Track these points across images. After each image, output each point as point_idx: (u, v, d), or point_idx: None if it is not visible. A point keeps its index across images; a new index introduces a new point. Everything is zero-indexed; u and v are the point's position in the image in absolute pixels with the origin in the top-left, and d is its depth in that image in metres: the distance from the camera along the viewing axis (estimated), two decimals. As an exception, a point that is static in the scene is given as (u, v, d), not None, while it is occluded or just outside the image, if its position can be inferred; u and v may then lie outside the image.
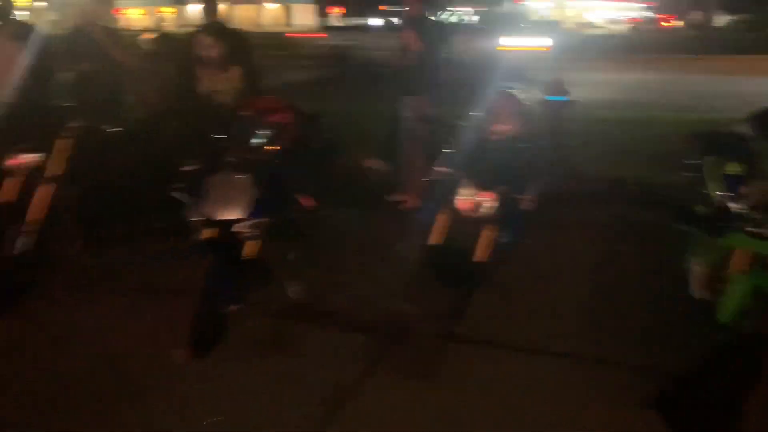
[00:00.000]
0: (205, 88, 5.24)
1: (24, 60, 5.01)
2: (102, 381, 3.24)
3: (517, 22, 27.60)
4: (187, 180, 3.59)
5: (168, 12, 53.52)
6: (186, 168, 3.63)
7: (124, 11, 41.24)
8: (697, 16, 43.25)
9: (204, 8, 5.43)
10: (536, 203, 3.55)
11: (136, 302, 4.00)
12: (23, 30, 5.15)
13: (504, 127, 3.61)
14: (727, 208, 3.01)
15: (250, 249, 3.47)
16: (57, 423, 2.95)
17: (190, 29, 5.81)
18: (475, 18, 34.52)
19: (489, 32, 23.11)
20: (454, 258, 3.42)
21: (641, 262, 4.56)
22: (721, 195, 3.07)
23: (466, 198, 3.42)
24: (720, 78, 15.62)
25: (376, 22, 54.08)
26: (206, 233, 3.47)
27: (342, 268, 4.45)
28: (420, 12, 5.76)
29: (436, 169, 3.67)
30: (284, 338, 3.62)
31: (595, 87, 12.75)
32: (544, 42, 23.30)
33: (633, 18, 48.05)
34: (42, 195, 3.97)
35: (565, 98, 6.63)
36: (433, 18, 6.18)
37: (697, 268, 3.39)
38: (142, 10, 50.74)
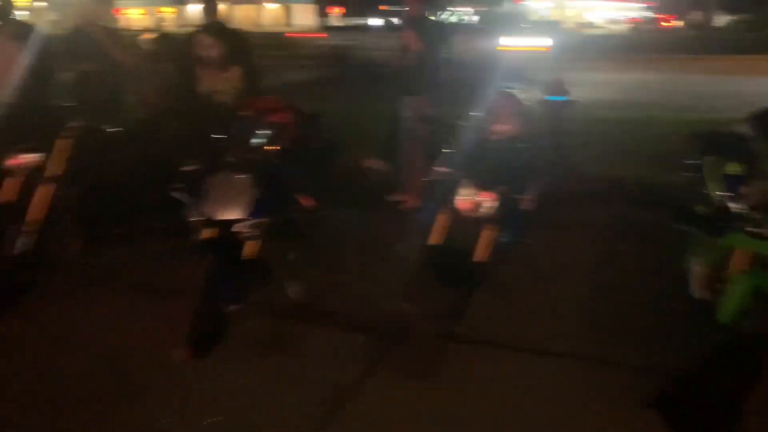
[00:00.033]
0: (205, 88, 5.25)
1: (24, 60, 5.01)
2: (102, 381, 3.24)
3: (517, 22, 27.55)
4: (187, 180, 3.59)
5: (168, 12, 53.51)
6: (186, 168, 3.63)
7: (124, 11, 41.23)
8: (696, 16, 43.26)
9: (204, 8, 5.41)
10: (536, 203, 3.55)
11: (136, 302, 4.00)
12: (23, 30, 5.15)
13: (504, 127, 3.61)
14: (727, 208, 3.01)
15: (250, 249, 3.47)
16: (57, 423, 2.95)
17: (191, 29, 5.81)
18: (475, 18, 34.48)
19: (489, 32, 23.10)
20: (454, 258, 3.42)
21: (641, 262, 4.56)
22: (721, 195, 3.07)
23: (466, 198, 3.42)
24: (720, 78, 15.64)
25: (375, 22, 54.08)
26: (206, 233, 3.47)
27: (342, 268, 4.45)
28: (420, 12, 5.76)
29: (436, 169, 3.67)
30: (284, 338, 3.62)
31: (595, 87, 12.77)
32: (544, 42, 23.28)
33: (633, 18, 48.06)
34: (42, 195, 3.96)
35: (564, 98, 6.64)
36: (432, 18, 6.18)
37: (696, 268, 3.39)
38: (142, 10, 50.73)
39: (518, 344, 3.57)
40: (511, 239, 3.49)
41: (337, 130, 5.13)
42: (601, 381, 3.25)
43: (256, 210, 3.47)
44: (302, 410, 3.02)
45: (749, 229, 2.91)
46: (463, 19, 34.87)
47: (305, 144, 3.97)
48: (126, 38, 5.89)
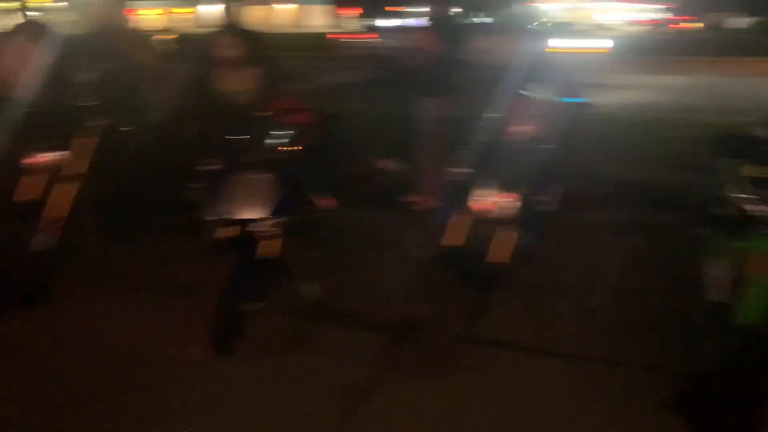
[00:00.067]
0: (224, 88, 5.28)
1: (45, 59, 5.08)
2: (122, 378, 3.28)
3: (530, 23, 27.34)
4: (206, 179, 3.63)
5: (183, 13, 53.79)
6: (206, 167, 3.67)
7: (139, 12, 41.50)
8: (716, 17, 42.88)
9: (225, 9, 5.46)
10: (556, 205, 3.55)
11: (154, 300, 4.04)
12: (43, 30, 5.21)
13: (523, 128, 3.61)
14: (746, 211, 3.00)
15: (269, 248, 3.50)
16: (76, 420, 2.98)
17: (209, 30, 5.85)
18: (488, 19, 34.38)
19: (539, 34, 22.61)
20: (472, 259, 3.43)
21: (660, 264, 4.54)
22: (740, 198, 3.07)
23: (484, 199, 3.43)
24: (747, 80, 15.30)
25: (388, 23, 54.07)
26: (225, 232, 3.50)
27: (359, 269, 4.47)
28: (440, 13, 5.78)
29: (454, 169, 3.68)
30: (301, 338, 3.64)
31: (652, 89, 12.50)
32: (604, 44, 22.24)
33: (649, 20, 47.75)
34: (63, 193, 4.00)
35: (581, 100, 6.61)
36: (452, 19, 6.20)
37: (715, 271, 3.39)
38: (158, 11, 51.03)
39: (535, 346, 3.57)
40: (530, 241, 3.49)
41: (356, 131, 5.16)
42: (619, 384, 3.24)
43: (275, 209, 3.50)
44: (319, 410, 3.04)
45: (769, 231, 2.90)
46: (477, 21, 34.77)
47: (324, 144, 4.00)
48: (144, 38, 5.93)
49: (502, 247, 3.41)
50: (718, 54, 21.42)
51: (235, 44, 5.30)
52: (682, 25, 40.67)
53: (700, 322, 3.49)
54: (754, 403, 2.88)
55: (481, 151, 3.63)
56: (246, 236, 3.49)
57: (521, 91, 3.72)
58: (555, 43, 21.18)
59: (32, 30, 5.13)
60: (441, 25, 5.75)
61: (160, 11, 51.39)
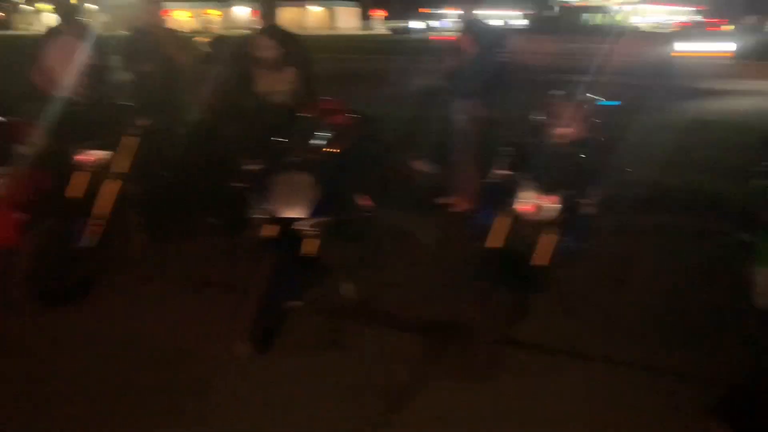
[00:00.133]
0: (262, 89, 5.35)
1: (89, 59, 5.19)
2: (162, 374, 3.32)
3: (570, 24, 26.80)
4: (249, 178, 3.68)
5: (214, 14, 54.44)
6: (248, 167, 3.72)
7: (172, 13, 42.07)
8: (751, 20, 42.08)
9: (263, 11, 5.52)
10: (599, 208, 3.52)
11: (195, 298, 4.09)
12: (87, 31, 5.33)
13: (566, 131, 3.59)
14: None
15: (309, 247, 3.53)
16: (118, 412, 3.03)
17: (245, 31, 5.93)
18: (524, 21, 34.14)
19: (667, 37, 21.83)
20: (514, 261, 3.41)
21: (705, 269, 4.46)
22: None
23: (527, 201, 3.41)
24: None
25: (416, 25, 54.13)
26: (267, 230, 3.54)
27: (397, 269, 4.47)
28: (474, 15, 5.78)
29: (495, 171, 3.67)
30: (339, 337, 3.65)
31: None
32: (726, 47, 20.37)
33: (681, 22, 47.11)
34: (108, 191, 4.08)
35: (616, 103, 6.54)
36: (485, 21, 6.19)
37: (761, 276, 3.33)
38: (189, 13, 51.71)
39: (576, 351, 3.54)
40: (574, 244, 3.46)
41: (395, 132, 5.18)
42: (662, 391, 3.20)
43: (317, 209, 3.53)
44: (358, 410, 3.05)
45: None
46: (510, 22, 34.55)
47: (364, 145, 4.03)
48: (185, 39, 6.01)
49: (543, 250, 3.38)
50: None
51: (273, 45, 5.39)
52: (716, 28, 39.99)
53: (746, 329, 3.42)
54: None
55: (523, 153, 3.61)
56: (287, 235, 3.52)
57: (563, 93, 3.70)
58: (680, 47, 20.10)
59: (76, 30, 5.26)
60: (477, 27, 5.74)
61: (190, 13, 52.07)
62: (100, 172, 4.10)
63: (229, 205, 4.17)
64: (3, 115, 4.32)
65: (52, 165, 4.22)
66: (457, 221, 5.17)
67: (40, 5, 53.77)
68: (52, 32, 5.36)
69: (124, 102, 4.50)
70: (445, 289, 4.01)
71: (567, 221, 3.40)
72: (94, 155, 4.08)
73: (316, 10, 60.49)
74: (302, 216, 3.51)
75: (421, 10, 55.56)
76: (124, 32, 5.84)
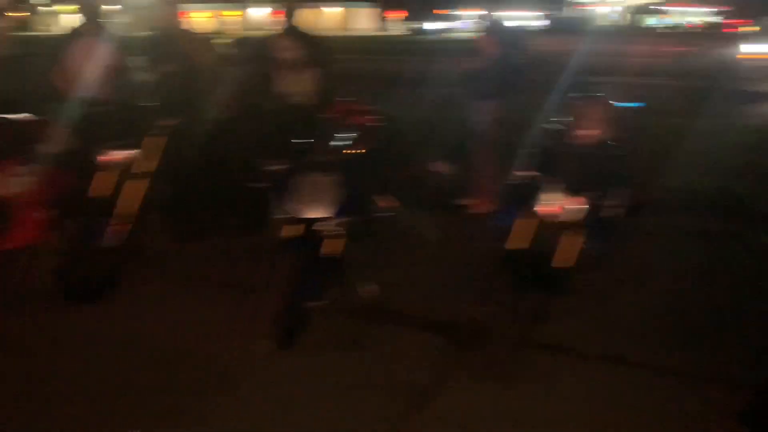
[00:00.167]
0: (283, 90, 5.38)
1: (112, 60, 5.24)
2: (183, 372, 3.33)
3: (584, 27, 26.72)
4: (272, 179, 3.70)
5: (232, 15, 54.74)
6: (271, 167, 3.74)
7: (190, 15, 42.31)
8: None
9: (286, 12, 5.55)
10: (622, 210, 3.50)
11: (217, 296, 4.10)
12: (110, 32, 5.37)
13: (591, 132, 3.58)
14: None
15: (332, 247, 3.54)
16: (139, 409, 3.03)
17: (266, 32, 5.96)
18: (546, 22, 34.06)
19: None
20: (537, 263, 3.41)
21: (730, 272, 4.45)
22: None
23: (551, 202, 3.40)
24: None
25: (432, 26, 54.09)
26: (290, 231, 3.55)
27: (419, 269, 4.47)
28: (494, 17, 5.76)
29: (518, 172, 3.67)
30: (361, 337, 3.66)
31: None
32: None
33: (691, 24, 46.79)
34: (134, 190, 4.12)
35: (637, 105, 6.52)
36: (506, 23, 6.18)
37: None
38: (208, 14, 52.03)
39: (599, 353, 3.52)
40: (598, 246, 3.45)
41: (417, 133, 5.18)
42: (685, 394, 3.17)
43: (340, 209, 3.55)
44: (379, 410, 3.04)
45: None
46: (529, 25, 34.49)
47: (385, 146, 4.03)
48: (205, 40, 6.05)
49: (567, 252, 3.38)
50: None
51: (294, 47, 5.42)
52: (740, 29, 39.55)
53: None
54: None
55: (548, 154, 3.60)
56: (310, 235, 3.54)
57: (592, 94, 3.69)
58: (747, 49, 18.79)
59: (98, 31, 5.30)
60: (499, 28, 5.73)
61: (209, 14, 52.37)
62: (124, 172, 4.13)
63: (252, 205, 4.19)
64: (30, 115, 4.36)
65: (77, 165, 4.27)
66: (476, 222, 5.16)
67: (59, 7, 54.33)
68: (75, 33, 5.40)
69: (147, 102, 4.54)
70: (465, 289, 4.01)
71: (591, 223, 3.38)
72: (118, 155, 4.11)
73: (331, 11, 60.62)
74: (325, 216, 3.53)
75: (436, 11, 55.53)
76: (145, 33, 5.88)
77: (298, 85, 5.29)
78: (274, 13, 6.04)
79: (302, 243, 3.56)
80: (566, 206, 3.38)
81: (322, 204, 3.54)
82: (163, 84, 5.31)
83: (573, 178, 3.42)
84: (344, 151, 3.79)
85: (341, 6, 61.41)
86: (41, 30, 43.60)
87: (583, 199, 3.37)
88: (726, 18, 48.00)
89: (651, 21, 52.03)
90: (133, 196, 4.12)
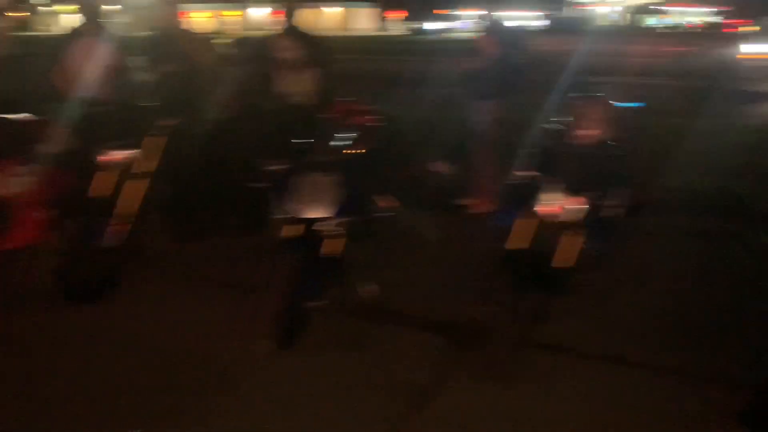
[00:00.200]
0: (284, 90, 5.39)
1: (111, 60, 5.24)
2: (182, 373, 3.33)
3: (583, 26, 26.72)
4: (272, 179, 3.70)
5: (232, 16, 54.74)
6: (270, 167, 3.74)
7: (190, 15, 42.30)
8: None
9: (286, 12, 5.55)
10: (623, 210, 3.50)
11: (216, 296, 4.10)
12: (110, 32, 5.37)
13: (591, 132, 3.58)
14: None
15: (332, 247, 3.54)
16: (138, 411, 3.02)
17: (266, 32, 5.97)
18: (546, 22, 34.03)
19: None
20: (536, 263, 3.41)
21: (731, 273, 4.45)
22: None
23: (551, 202, 3.40)
24: None
25: (432, 26, 54.12)
26: (290, 230, 3.56)
27: (419, 270, 4.47)
28: (494, 17, 5.77)
29: (518, 172, 3.67)
30: (360, 337, 3.66)
31: None
32: None
33: (691, 24, 46.83)
34: (134, 190, 4.12)
35: (637, 105, 6.52)
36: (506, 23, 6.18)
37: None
38: (208, 14, 52.02)
39: (597, 353, 3.52)
40: (598, 246, 3.45)
41: (416, 133, 5.19)
42: (684, 394, 3.17)
43: (340, 209, 3.55)
44: (379, 410, 3.04)
45: None
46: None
47: (385, 146, 4.04)
48: (205, 40, 6.06)
49: (568, 252, 3.38)
50: None
51: (295, 47, 5.43)
52: (740, 29, 39.55)
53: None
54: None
55: (548, 154, 3.61)
56: (310, 235, 3.54)
57: (592, 94, 3.69)
58: (747, 49, 18.58)
59: (97, 32, 5.30)
60: (499, 28, 5.74)
61: (209, 14, 52.36)
62: (124, 172, 4.13)
63: (252, 205, 4.20)
64: (29, 115, 4.36)
65: (77, 165, 4.27)
66: (476, 222, 5.16)
67: (58, 7, 54.34)
68: (75, 33, 5.40)
69: (147, 102, 4.54)
70: (465, 289, 4.01)
71: (591, 223, 3.39)
72: (118, 155, 4.12)
73: (331, 11, 60.62)
74: (325, 216, 3.53)
75: (436, 11, 55.56)
76: (145, 33, 5.88)
77: (298, 85, 5.29)
78: (274, 13, 6.04)
79: (302, 243, 3.56)
80: (566, 206, 3.38)
81: (322, 204, 3.54)
82: (163, 84, 5.31)
83: (573, 178, 3.42)
84: (344, 151, 3.79)
85: (341, 6, 61.37)
86: (41, 30, 43.62)
87: (583, 199, 3.37)
88: (726, 18, 48.03)
89: (651, 21, 52.12)
90: (133, 196, 4.13)
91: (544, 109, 4.15)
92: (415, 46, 27.74)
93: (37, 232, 4.17)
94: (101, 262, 4.04)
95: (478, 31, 5.97)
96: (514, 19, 34.17)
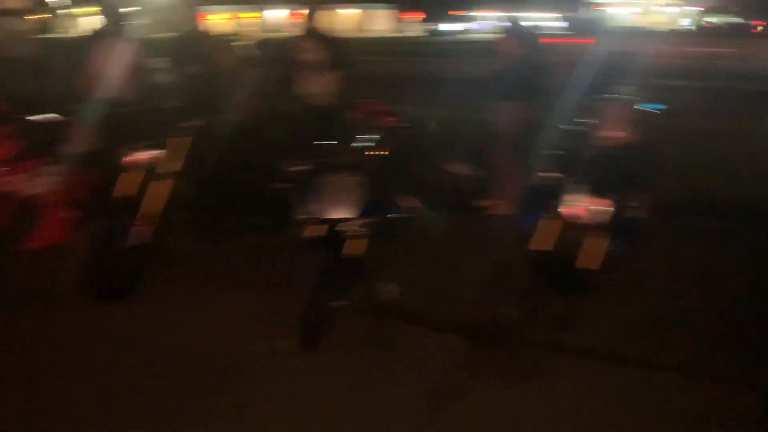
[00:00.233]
0: (306, 91, 5.42)
1: (135, 62, 5.30)
2: (203, 370, 3.35)
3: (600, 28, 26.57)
4: (295, 179, 3.72)
5: (250, 17, 54.98)
6: (294, 168, 3.75)
7: (208, 17, 42.51)
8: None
9: (308, 14, 5.58)
10: (647, 212, 3.48)
11: (241, 295, 4.11)
12: (133, 34, 5.43)
13: (616, 134, 3.56)
14: None
15: (354, 247, 3.55)
16: (160, 409, 3.05)
17: (285, 34, 6.00)
18: (564, 24, 33.79)
19: None
20: (560, 264, 3.39)
21: (755, 276, 4.41)
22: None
23: (576, 204, 3.39)
24: None
25: (449, 27, 54.04)
26: (313, 231, 3.57)
27: (441, 270, 4.47)
28: (515, 18, 5.77)
29: (542, 174, 3.65)
30: (382, 337, 3.66)
31: None
32: None
33: (709, 23, 46.36)
34: (159, 190, 4.15)
35: (659, 107, 6.46)
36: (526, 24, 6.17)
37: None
38: (226, 16, 52.27)
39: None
40: (623, 248, 3.43)
41: (439, 134, 5.19)
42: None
43: (363, 210, 3.55)
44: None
45: None
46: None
47: (409, 147, 4.04)
48: (226, 42, 6.11)
49: (592, 254, 3.36)
50: None
51: (317, 48, 5.46)
52: (755, 30, 39.19)
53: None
54: None
55: (572, 155, 3.59)
56: (333, 235, 3.55)
57: (613, 96, 3.66)
58: None
59: (119, 34, 5.35)
60: (521, 29, 5.72)
61: (228, 16, 52.62)
62: (149, 172, 4.17)
63: (275, 205, 4.21)
64: (55, 116, 4.42)
65: (102, 165, 4.32)
66: (496, 223, 5.14)
67: (77, 9, 54.85)
68: (98, 35, 5.47)
69: (171, 104, 4.57)
70: (492, 291, 3.99)
71: (616, 225, 3.36)
72: (143, 156, 4.15)
73: (348, 13, 60.67)
74: (348, 217, 3.54)
75: (451, 12, 55.50)
76: (167, 35, 5.94)
77: (320, 87, 5.32)
78: (293, 15, 6.07)
79: (325, 243, 3.57)
80: (591, 208, 3.36)
81: (345, 205, 3.55)
82: (187, 85, 5.36)
83: (598, 180, 3.40)
84: (367, 152, 3.80)
85: (358, 8, 61.43)
86: (60, 32, 44.09)
87: (607, 201, 3.35)
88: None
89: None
90: (157, 196, 4.16)
91: (568, 111, 4.12)
92: (432, 48, 27.73)
93: (63, 232, 4.22)
94: (125, 261, 4.07)
95: (498, 32, 5.96)
96: (531, 20, 34.06)
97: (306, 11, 5.62)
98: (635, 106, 3.83)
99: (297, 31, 5.74)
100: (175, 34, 5.99)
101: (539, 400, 3.11)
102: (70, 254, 4.08)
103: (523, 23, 6.13)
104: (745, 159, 7.30)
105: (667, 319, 3.82)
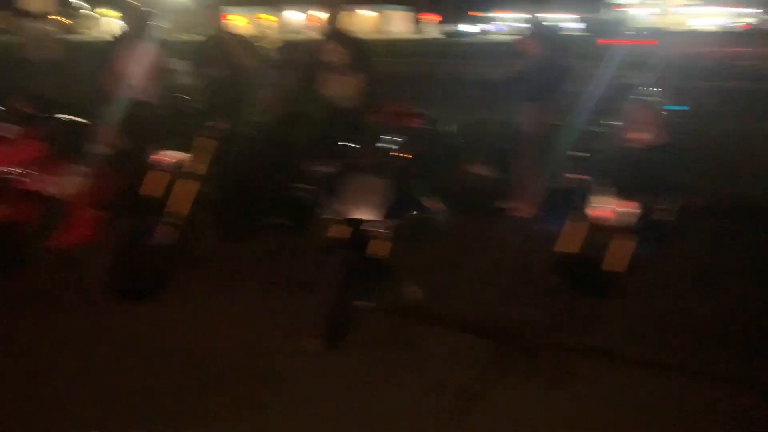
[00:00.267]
0: (328, 93, 5.43)
1: (161, 63, 5.35)
2: (228, 369, 3.37)
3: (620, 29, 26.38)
4: (320, 180, 3.73)
5: (269, 19, 55.25)
6: (319, 169, 3.77)
7: (229, 18, 42.74)
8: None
9: (330, 16, 5.60)
10: (673, 214, 3.45)
11: (265, 295, 4.14)
12: (158, 35, 5.48)
13: (642, 136, 3.54)
14: None
15: (378, 248, 3.56)
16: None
17: (306, 36, 6.02)
18: (582, 25, 33.54)
19: None
20: (587, 267, 3.37)
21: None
22: None
23: (602, 206, 3.37)
24: None
25: (469, 28, 53.99)
26: (338, 231, 3.58)
27: (463, 272, 4.45)
28: (539, 18, 5.74)
29: (567, 176, 3.64)
30: (405, 337, 3.67)
31: None
32: None
33: (748, 24, 45.79)
34: (185, 191, 4.18)
35: (683, 107, 6.40)
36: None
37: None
38: (246, 18, 52.59)
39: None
40: (648, 250, 3.40)
41: (462, 136, 5.18)
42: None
43: (386, 211, 3.56)
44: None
45: None
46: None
47: (432, 149, 4.05)
48: (250, 44, 6.13)
49: (619, 256, 3.34)
50: None
51: (341, 50, 5.47)
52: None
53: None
54: None
55: (598, 157, 3.57)
56: (357, 236, 3.56)
57: (643, 98, 3.64)
58: None
59: (144, 35, 5.40)
60: (544, 30, 5.70)
61: (246, 18, 52.90)
62: (175, 172, 4.20)
63: (299, 206, 4.23)
64: (81, 118, 4.47)
65: (129, 165, 4.36)
66: (521, 225, 5.13)
67: (101, 10, 55.40)
68: (124, 37, 5.52)
69: (197, 105, 4.61)
70: (517, 292, 3.98)
71: (643, 227, 3.34)
72: (169, 156, 4.18)
73: (367, 15, 60.77)
74: (372, 218, 3.55)
75: (471, 13, 55.46)
76: (192, 37, 5.99)
77: (344, 88, 5.33)
78: (310, 18, 6.10)
79: (349, 244, 3.59)
80: (617, 210, 3.34)
81: (369, 206, 3.56)
82: (213, 86, 5.39)
83: (624, 182, 3.38)
84: (391, 154, 3.81)
85: (376, 9, 61.51)
86: (84, 33, 44.60)
87: (634, 203, 3.33)
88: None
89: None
90: (183, 196, 4.19)
91: (593, 112, 4.11)
92: (451, 49, 27.67)
93: (89, 232, 4.27)
94: (151, 261, 4.10)
95: (520, 34, 5.93)
96: (552, 21, 33.91)
97: (327, 13, 5.64)
98: (663, 107, 3.81)
99: (318, 33, 5.76)
100: (202, 35, 6.04)
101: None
102: (96, 254, 4.12)
103: (546, 24, 6.10)
104: None
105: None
